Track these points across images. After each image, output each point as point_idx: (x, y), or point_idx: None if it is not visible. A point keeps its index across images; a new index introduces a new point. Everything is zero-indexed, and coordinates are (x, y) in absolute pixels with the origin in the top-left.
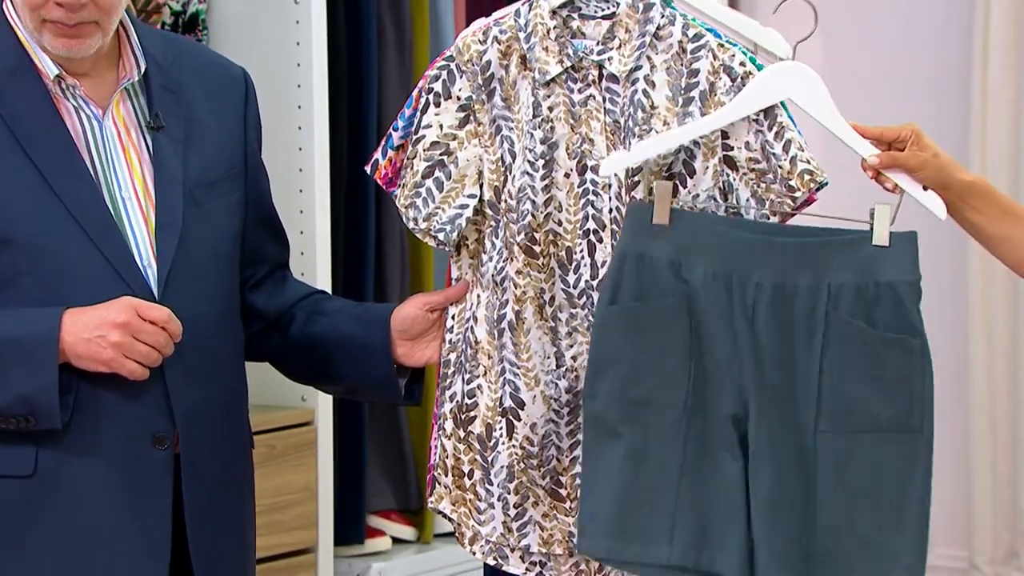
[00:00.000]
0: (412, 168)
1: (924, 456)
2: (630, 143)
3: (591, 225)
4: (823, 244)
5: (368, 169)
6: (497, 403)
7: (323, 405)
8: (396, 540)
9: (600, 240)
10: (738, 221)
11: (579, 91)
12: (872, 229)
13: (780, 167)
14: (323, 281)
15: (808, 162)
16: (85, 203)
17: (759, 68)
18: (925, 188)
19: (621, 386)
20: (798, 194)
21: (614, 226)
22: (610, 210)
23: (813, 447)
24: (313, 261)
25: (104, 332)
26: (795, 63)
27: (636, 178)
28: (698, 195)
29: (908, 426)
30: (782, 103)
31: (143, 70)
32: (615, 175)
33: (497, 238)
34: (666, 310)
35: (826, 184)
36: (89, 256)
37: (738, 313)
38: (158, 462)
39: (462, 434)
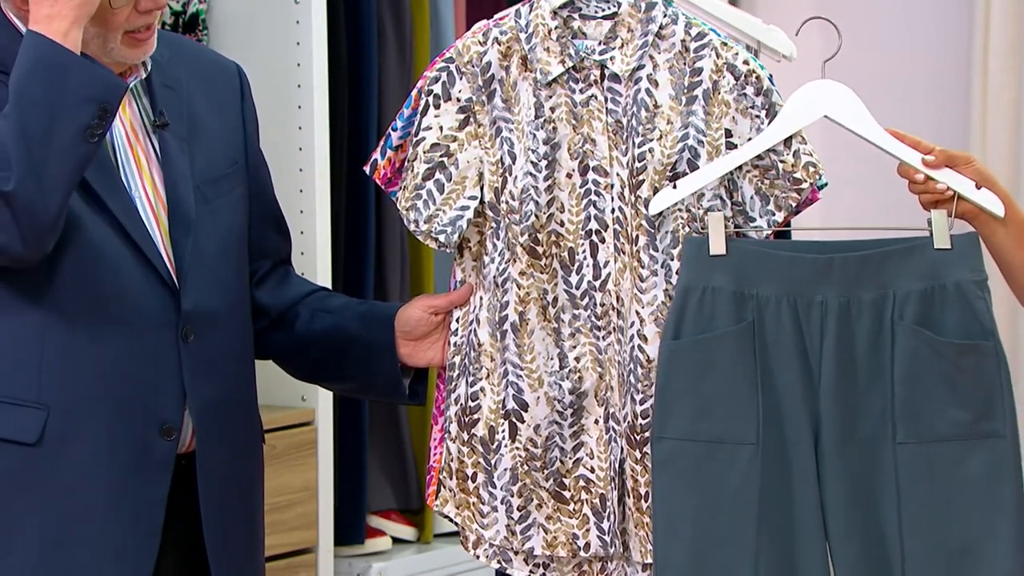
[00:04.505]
0: (413, 170)
1: (1011, 460)
2: (633, 142)
3: (593, 226)
4: (885, 255)
5: (367, 169)
6: (500, 405)
7: (323, 405)
8: (396, 540)
9: (602, 240)
10: (793, 243)
11: (581, 91)
12: (932, 235)
13: (783, 161)
14: (323, 281)
15: (811, 155)
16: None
17: (761, 67)
18: (978, 187)
19: (691, 424)
20: (804, 186)
21: (616, 226)
22: (612, 210)
23: (893, 461)
24: (313, 261)
25: None
26: (826, 81)
27: (640, 177)
28: (703, 194)
29: (990, 431)
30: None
31: (148, 69)
32: (618, 175)
33: (498, 239)
34: (732, 339)
35: (826, 184)
36: (117, 246)
37: (806, 335)
38: (162, 452)
39: (466, 437)
